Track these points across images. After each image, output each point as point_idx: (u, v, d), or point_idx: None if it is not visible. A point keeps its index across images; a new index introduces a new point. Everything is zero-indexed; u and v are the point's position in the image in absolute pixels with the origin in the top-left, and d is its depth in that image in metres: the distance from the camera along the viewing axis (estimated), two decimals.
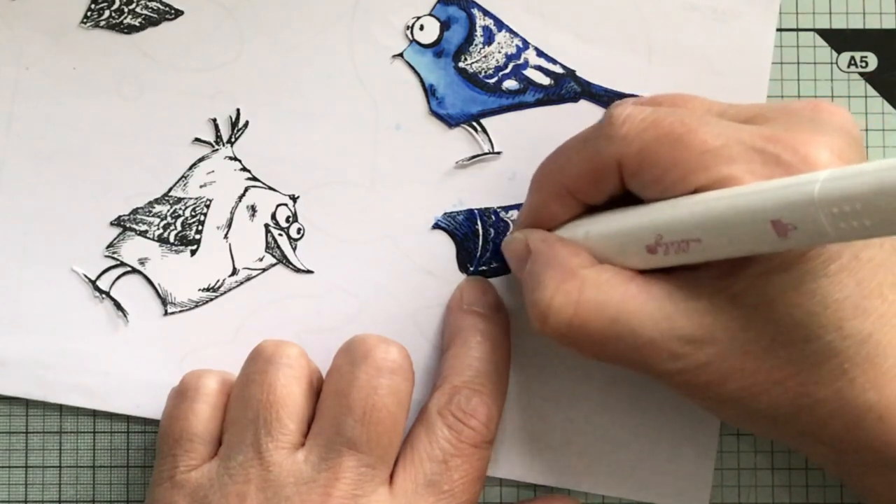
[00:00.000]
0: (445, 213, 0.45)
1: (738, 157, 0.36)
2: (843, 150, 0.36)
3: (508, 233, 0.44)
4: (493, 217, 0.45)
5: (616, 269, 0.38)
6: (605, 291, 0.38)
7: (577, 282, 0.38)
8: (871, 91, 0.46)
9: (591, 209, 0.40)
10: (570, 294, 0.38)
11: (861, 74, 0.46)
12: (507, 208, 0.45)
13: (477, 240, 0.45)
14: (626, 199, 0.39)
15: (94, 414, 0.45)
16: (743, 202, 0.34)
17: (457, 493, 0.41)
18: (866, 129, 0.45)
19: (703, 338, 0.37)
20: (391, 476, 0.41)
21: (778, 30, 0.45)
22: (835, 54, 0.46)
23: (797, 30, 0.45)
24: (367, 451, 0.40)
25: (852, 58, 0.46)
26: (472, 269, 0.45)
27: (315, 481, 0.39)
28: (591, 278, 0.38)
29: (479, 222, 0.45)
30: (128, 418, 0.45)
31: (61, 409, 0.45)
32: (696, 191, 0.36)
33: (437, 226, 0.45)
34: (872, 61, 0.46)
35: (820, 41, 0.46)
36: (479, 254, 0.45)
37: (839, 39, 0.46)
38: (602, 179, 0.39)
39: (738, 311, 0.36)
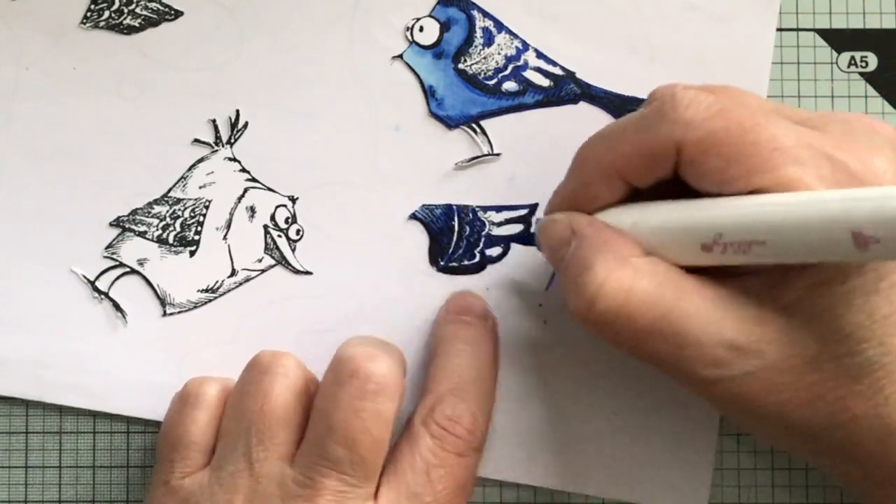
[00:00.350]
0: (423, 205, 0.45)
1: (808, 160, 0.35)
2: None
3: (540, 215, 0.42)
4: (470, 215, 0.45)
5: (669, 265, 0.37)
6: (658, 284, 0.36)
7: (631, 270, 0.37)
8: (871, 91, 0.46)
9: (634, 196, 0.39)
10: (623, 281, 0.37)
11: (861, 74, 0.46)
12: (498, 208, 0.45)
13: (451, 235, 0.45)
14: (671, 184, 0.38)
15: (94, 414, 0.45)
16: (822, 209, 0.33)
17: (440, 503, 0.41)
18: None
19: (750, 347, 0.36)
20: (377, 488, 0.41)
21: (778, 30, 0.45)
22: (835, 54, 0.45)
23: (797, 30, 0.45)
24: (351, 473, 0.39)
25: (852, 58, 0.46)
26: (442, 263, 0.45)
27: (300, 496, 0.39)
28: (646, 269, 0.37)
29: (456, 218, 0.45)
30: (128, 419, 0.45)
31: (61, 409, 0.45)
32: (756, 189, 0.35)
33: (413, 216, 0.45)
34: (872, 61, 0.46)
35: (820, 41, 0.45)
36: (451, 249, 0.45)
37: (839, 39, 0.46)
38: (657, 162, 0.37)
39: (787, 321, 0.36)
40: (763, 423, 0.37)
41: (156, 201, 0.45)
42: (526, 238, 0.45)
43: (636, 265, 0.37)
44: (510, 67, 0.45)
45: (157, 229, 0.45)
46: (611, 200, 0.39)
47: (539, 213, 0.45)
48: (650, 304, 0.36)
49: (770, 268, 0.36)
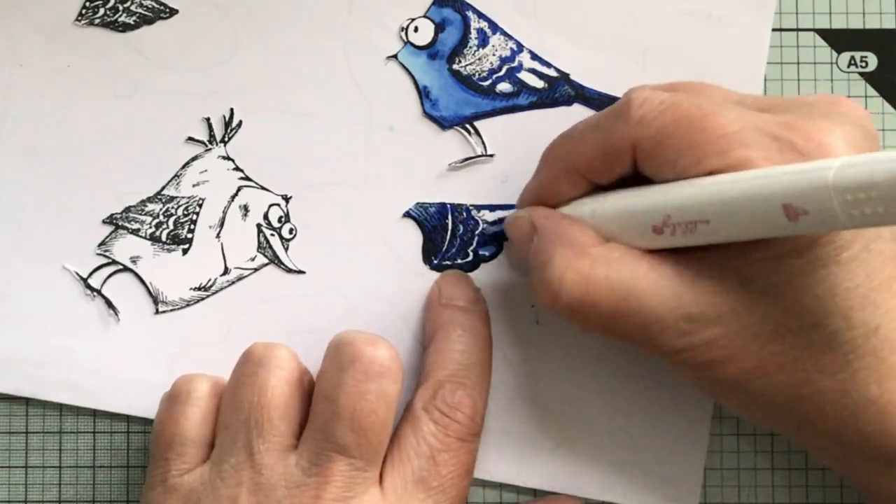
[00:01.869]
0: (418, 203, 0.45)
1: (755, 142, 0.36)
2: (857, 141, 0.36)
3: (511, 212, 0.44)
4: (464, 213, 0.45)
5: (625, 248, 0.38)
6: (615, 269, 0.38)
7: (588, 259, 0.38)
8: (871, 91, 0.46)
9: (598, 188, 0.41)
10: (581, 271, 0.38)
11: (861, 74, 0.46)
12: (491, 207, 0.45)
13: (445, 233, 0.45)
14: (634, 180, 0.39)
15: (94, 414, 0.45)
16: (755, 185, 0.34)
17: (446, 487, 0.41)
18: None
19: (710, 317, 0.37)
20: (381, 475, 0.41)
21: (778, 30, 0.45)
22: (835, 54, 0.45)
23: (797, 30, 0.45)
24: (357, 455, 0.40)
25: (852, 58, 0.46)
26: (436, 261, 0.45)
27: (306, 485, 0.39)
28: (602, 256, 0.38)
29: (449, 216, 0.45)
30: (128, 418, 0.45)
31: (61, 409, 0.45)
32: (710, 174, 0.36)
33: (407, 214, 0.45)
34: (872, 61, 0.46)
35: (820, 41, 0.45)
36: (444, 248, 0.45)
37: (839, 39, 0.46)
38: (615, 161, 0.39)
39: (747, 293, 0.37)
40: (731, 393, 0.38)
41: (149, 199, 0.45)
42: None
43: (592, 254, 0.38)
44: (504, 69, 0.45)
45: (151, 227, 0.45)
46: (574, 195, 0.41)
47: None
48: (609, 289, 0.38)
49: (731, 242, 0.37)
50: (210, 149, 0.45)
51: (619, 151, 0.39)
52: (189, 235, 0.45)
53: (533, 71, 0.45)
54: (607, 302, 0.38)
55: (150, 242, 0.45)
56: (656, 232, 0.37)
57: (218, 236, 0.45)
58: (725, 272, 0.37)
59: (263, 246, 0.45)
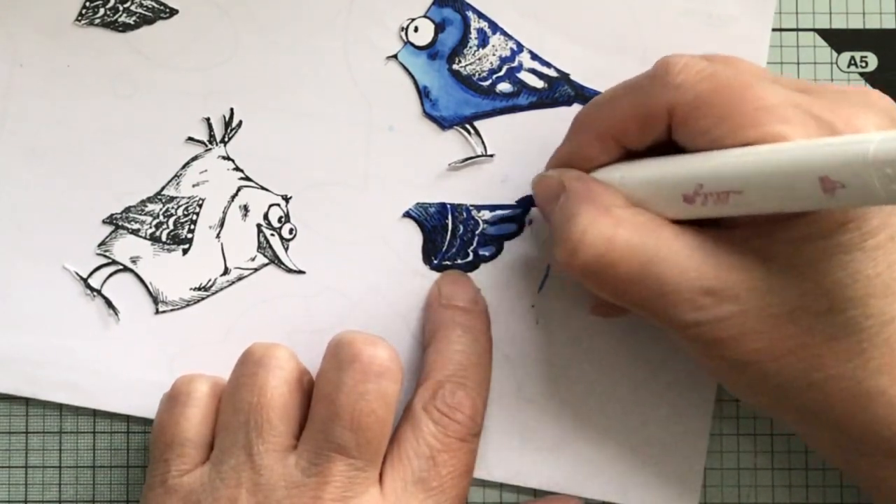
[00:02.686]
0: (418, 203, 0.45)
1: (793, 118, 0.36)
2: (889, 130, 0.36)
3: (540, 173, 0.43)
4: (464, 214, 0.45)
5: (652, 214, 0.38)
6: (639, 233, 0.37)
7: (613, 219, 0.38)
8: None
9: (629, 155, 0.40)
10: (604, 230, 0.38)
11: (861, 74, 0.46)
12: (491, 207, 0.45)
13: (445, 234, 0.45)
14: (666, 149, 0.39)
15: (94, 414, 0.45)
16: (793, 156, 0.34)
17: (446, 488, 0.41)
18: None
19: (727, 292, 0.37)
20: (380, 475, 0.41)
21: (778, 30, 0.45)
22: (835, 54, 0.45)
23: (797, 30, 0.45)
24: (357, 456, 0.40)
25: (852, 58, 0.46)
26: (435, 262, 0.45)
27: (305, 485, 0.39)
28: (627, 218, 0.38)
29: (449, 216, 0.45)
30: (128, 418, 0.45)
31: (61, 409, 0.45)
32: (744, 146, 0.36)
33: (407, 214, 0.45)
34: (872, 61, 0.46)
35: (820, 41, 0.45)
36: (444, 248, 0.45)
37: (839, 39, 0.46)
38: (650, 125, 0.39)
39: (768, 272, 0.36)
40: (739, 374, 0.38)
41: (149, 199, 0.45)
42: (518, 232, 0.45)
43: (618, 215, 0.38)
44: (504, 69, 0.45)
45: (151, 227, 0.45)
46: (605, 161, 0.40)
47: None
48: (631, 251, 0.37)
49: (755, 221, 0.36)
50: (210, 149, 0.45)
51: (655, 116, 0.38)
52: (189, 235, 0.45)
53: (533, 71, 0.45)
54: (626, 265, 0.37)
55: (150, 242, 0.45)
56: (687, 201, 0.37)
57: (218, 236, 0.45)
58: (748, 250, 0.37)
59: (263, 246, 0.45)
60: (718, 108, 0.37)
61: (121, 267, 0.45)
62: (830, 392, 0.37)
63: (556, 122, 0.44)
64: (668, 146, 0.39)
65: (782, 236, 0.36)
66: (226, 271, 0.45)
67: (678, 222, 0.38)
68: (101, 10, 0.45)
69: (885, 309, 0.36)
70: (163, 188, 0.45)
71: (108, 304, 0.45)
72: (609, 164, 0.40)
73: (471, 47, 0.45)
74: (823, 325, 0.36)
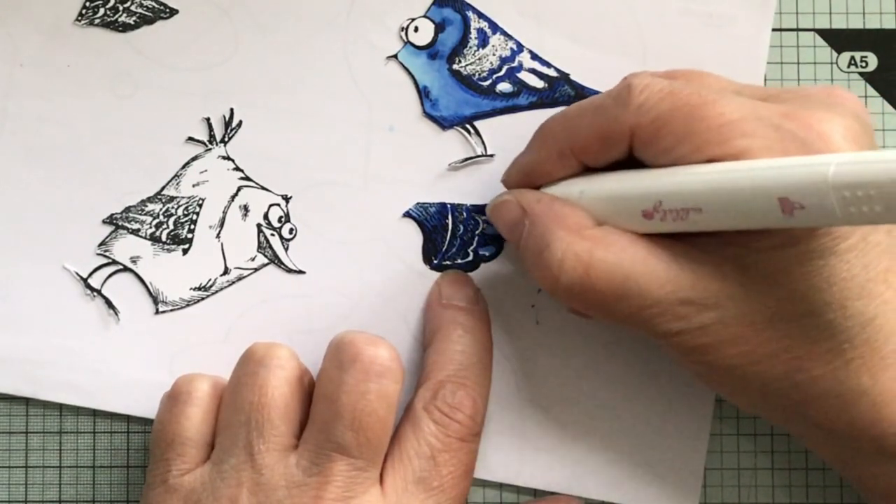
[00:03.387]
0: (418, 203, 0.45)
1: (755, 131, 0.36)
2: (856, 133, 0.36)
3: (496, 197, 0.43)
4: (464, 213, 0.45)
5: (621, 231, 0.38)
6: (614, 252, 0.38)
7: (587, 242, 0.38)
8: (872, 91, 0.46)
9: (588, 170, 0.41)
10: (581, 254, 0.38)
11: (861, 74, 0.46)
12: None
13: (445, 233, 0.45)
14: (626, 166, 0.39)
15: (94, 414, 0.45)
16: (752, 176, 0.34)
17: (446, 488, 0.41)
18: None
19: (706, 301, 0.37)
20: (381, 475, 0.41)
21: (778, 30, 0.45)
22: (835, 54, 0.46)
23: (797, 30, 0.45)
24: (358, 455, 0.40)
25: (852, 58, 0.46)
26: (435, 261, 0.45)
27: (306, 484, 0.39)
28: (600, 238, 0.38)
29: (449, 216, 0.45)
30: (128, 418, 0.45)
31: (61, 409, 0.45)
32: (708, 163, 0.36)
33: (407, 214, 0.45)
34: (872, 61, 0.46)
35: (820, 41, 0.46)
36: (444, 248, 0.45)
37: (839, 39, 0.46)
38: (611, 145, 0.39)
39: (744, 279, 0.37)
40: (725, 379, 0.38)
41: (149, 199, 0.45)
42: None
43: (590, 236, 0.38)
44: (504, 69, 0.45)
45: (151, 227, 0.45)
46: (563, 176, 0.41)
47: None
48: (609, 272, 0.38)
49: (728, 230, 0.37)
50: (210, 149, 0.45)
51: (616, 136, 0.39)
52: (189, 235, 0.45)
53: (533, 71, 0.45)
54: (606, 284, 0.38)
55: (150, 242, 0.45)
56: (646, 217, 0.37)
57: (218, 236, 0.45)
58: (723, 259, 0.37)
59: (263, 246, 0.45)
60: (679, 126, 0.37)
61: (121, 267, 0.45)
62: (814, 393, 0.37)
63: None
64: (629, 161, 0.39)
65: (756, 245, 0.37)
66: (226, 271, 0.45)
67: (650, 235, 0.38)
68: (101, 10, 0.45)
69: (863, 309, 0.36)
70: (163, 188, 0.45)
71: (108, 304, 0.45)
72: (567, 178, 0.41)
73: (471, 47, 0.45)
74: (803, 329, 0.37)
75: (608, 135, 0.39)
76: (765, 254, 0.36)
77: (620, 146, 0.39)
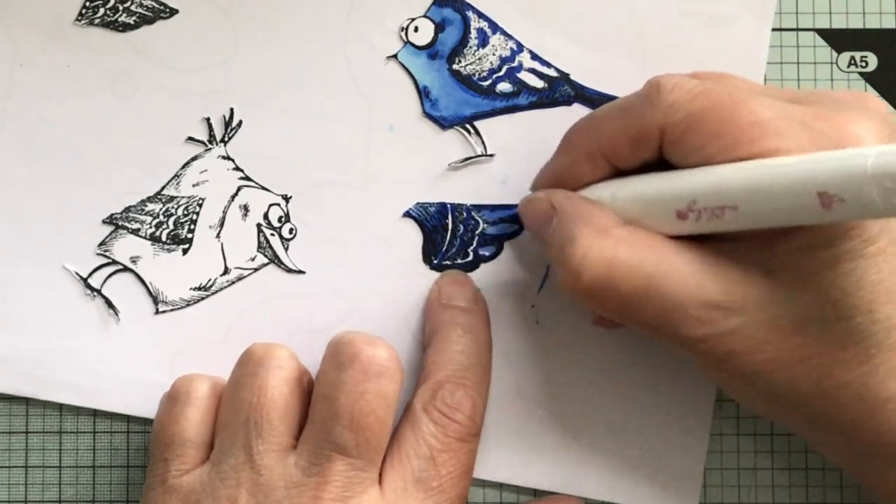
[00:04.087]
0: (418, 203, 0.45)
1: (787, 131, 0.36)
2: (888, 136, 0.37)
3: (527, 195, 0.43)
4: (464, 213, 0.45)
5: (648, 231, 0.38)
6: (638, 251, 0.38)
7: (611, 240, 0.38)
8: (872, 91, 0.46)
9: (618, 173, 0.40)
10: (604, 251, 0.38)
11: (861, 74, 0.46)
12: (491, 207, 0.45)
13: (445, 233, 0.45)
14: (655, 166, 0.39)
15: (94, 414, 0.45)
16: (789, 171, 0.34)
17: (445, 488, 0.41)
18: None
19: (732, 306, 0.37)
20: (380, 475, 0.41)
21: (778, 30, 0.45)
22: (835, 54, 0.46)
23: (797, 30, 0.45)
24: (357, 455, 0.40)
25: (852, 58, 0.46)
26: (435, 261, 0.45)
27: (305, 485, 0.39)
28: (625, 238, 0.38)
29: (450, 216, 0.45)
30: (128, 418, 0.45)
31: (61, 409, 0.45)
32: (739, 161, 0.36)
33: (407, 214, 0.45)
34: (872, 61, 0.46)
35: (820, 41, 0.46)
36: (444, 248, 0.45)
37: (839, 39, 0.46)
38: (641, 145, 0.39)
39: (772, 284, 0.36)
40: (749, 385, 0.38)
41: (149, 199, 0.45)
42: (518, 232, 0.45)
43: (616, 235, 0.38)
44: (504, 68, 0.45)
45: (151, 227, 0.45)
46: (594, 179, 0.41)
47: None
48: (632, 271, 0.37)
49: (756, 233, 0.36)
50: (210, 149, 0.45)
51: (646, 136, 0.38)
52: (189, 235, 0.45)
53: (533, 71, 0.45)
54: (629, 285, 0.37)
55: (150, 242, 0.45)
56: (681, 217, 0.37)
57: (218, 236, 0.45)
58: (750, 262, 0.37)
59: (263, 246, 0.45)
60: (711, 125, 0.37)
61: (121, 267, 0.45)
62: (841, 399, 0.37)
63: (556, 122, 0.44)
64: (657, 165, 0.39)
65: (784, 247, 0.36)
66: (226, 271, 0.45)
67: (677, 237, 0.38)
68: (101, 10, 0.45)
69: (891, 314, 0.36)
70: (163, 188, 0.45)
71: (108, 304, 0.45)
72: (598, 181, 0.41)
73: (471, 47, 0.45)
74: (830, 334, 0.36)
75: (637, 134, 0.39)
76: (793, 256, 0.36)
77: (650, 146, 0.38)
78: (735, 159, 0.36)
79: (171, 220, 0.45)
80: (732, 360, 0.37)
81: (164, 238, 0.45)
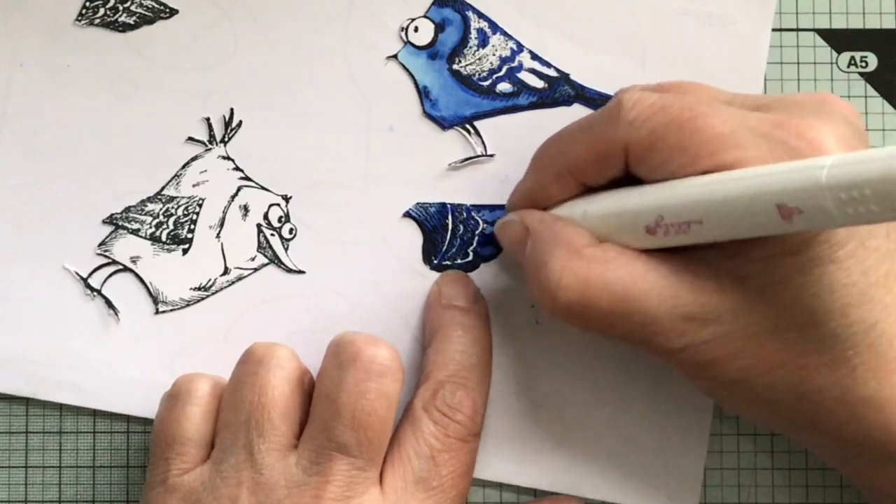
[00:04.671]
0: (418, 203, 0.45)
1: (746, 142, 0.36)
2: (848, 138, 0.36)
3: (501, 216, 0.44)
4: (464, 213, 0.45)
5: (621, 248, 0.38)
6: (612, 270, 0.38)
7: (584, 260, 0.38)
8: (871, 91, 0.46)
9: (589, 189, 0.41)
10: (578, 272, 0.38)
11: (861, 74, 0.46)
12: (491, 207, 0.45)
13: (445, 233, 0.45)
14: (625, 182, 0.39)
15: (94, 414, 0.45)
16: (748, 184, 0.34)
17: (446, 488, 0.41)
18: (866, 129, 0.45)
19: (708, 316, 0.37)
20: (381, 474, 0.41)
21: (778, 30, 0.45)
22: (835, 54, 0.46)
23: (797, 30, 0.45)
24: (358, 455, 0.40)
25: (852, 58, 0.46)
26: (435, 261, 0.45)
27: (306, 484, 0.39)
28: (598, 257, 0.38)
29: (449, 216, 0.45)
30: (128, 418, 0.45)
31: (61, 409, 0.45)
32: (702, 175, 0.36)
33: (407, 214, 0.45)
34: (872, 61, 0.46)
35: (820, 41, 0.46)
36: (444, 248, 0.45)
37: (839, 39, 0.46)
38: (607, 163, 0.39)
39: (744, 292, 0.37)
40: (731, 392, 0.38)
41: (149, 199, 0.45)
42: None
43: (589, 255, 0.38)
44: (504, 69, 0.45)
45: (151, 227, 0.45)
46: (565, 197, 0.41)
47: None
48: (607, 289, 0.38)
49: (727, 242, 0.37)
50: (210, 149, 0.45)
51: (610, 154, 0.39)
52: (189, 235, 0.45)
53: (533, 71, 0.45)
54: (605, 303, 0.38)
55: (150, 242, 0.45)
56: (650, 232, 0.37)
57: (218, 236, 0.45)
58: (722, 271, 0.37)
59: (263, 246, 0.45)
60: (672, 140, 0.37)
61: (121, 267, 0.45)
62: (821, 402, 0.37)
63: (557, 121, 0.44)
64: (629, 177, 0.39)
65: (754, 255, 0.36)
66: (226, 271, 0.45)
67: (649, 251, 0.38)
68: (101, 10, 0.45)
69: (865, 316, 0.36)
70: (163, 188, 0.45)
71: (108, 304, 0.45)
72: (569, 199, 0.41)
73: (471, 47, 0.45)
74: (806, 339, 0.37)
75: (602, 153, 0.39)
76: (763, 264, 0.36)
77: (616, 163, 0.39)
78: (698, 173, 0.36)
79: (171, 220, 0.45)
80: (712, 368, 0.38)
81: (164, 238, 0.45)
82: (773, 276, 0.36)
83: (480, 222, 0.45)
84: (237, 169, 0.45)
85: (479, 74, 0.45)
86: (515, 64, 0.45)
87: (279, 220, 0.45)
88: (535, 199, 0.42)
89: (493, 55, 0.45)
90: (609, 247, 0.39)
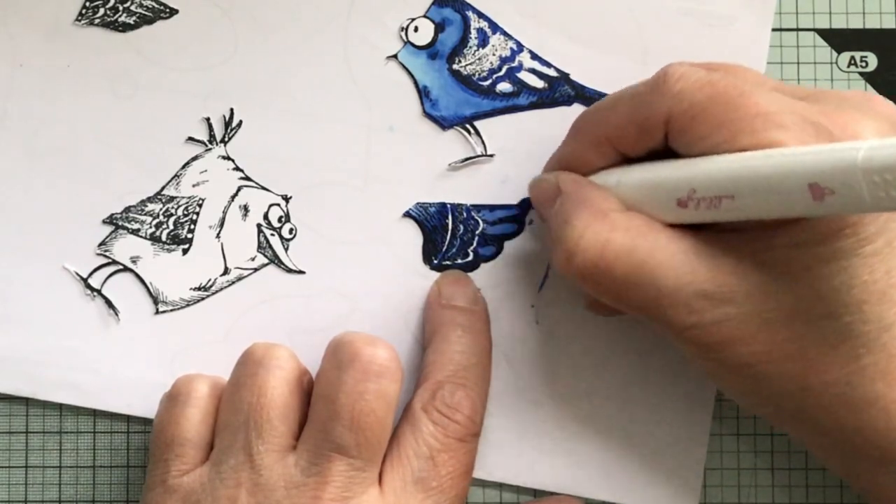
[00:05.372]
0: (418, 203, 0.45)
1: (790, 125, 0.36)
2: (889, 136, 0.36)
3: (537, 176, 0.43)
4: (464, 213, 0.45)
5: (646, 218, 0.38)
6: (633, 237, 0.38)
7: (608, 223, 0.38)
8: (871, 91, 0.46)
9: (625, 160, 0.41)
10: (600, 234, 0.38)
11: (861, 74, 0.46)
12: (491, 207, 0.45)
13: (445, 233, 0.45)
14: (662, 155, 0.39)
15: (94, 414, 0.45)
16: (782, 162, 0.34)
17: (445, 488, 0.41)
18: None
19: (723, 296, 0.37)
20: (380, 475, 0.41)
21: (778, 30, 0.45)
22: (835, 54, 0.46)
23: (797, 30, 0.45)
24: (357, 455, 0.40)
25: (852, 58, 0.46)
26: (436, 261, 0.45)
27: (305, 485, 0.39)
28: (622, 222, 0.38)
29: (450, 216, 0.45)
30: (128, 418, 0.45)
31: (61, 409, 0.45)
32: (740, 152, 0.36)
33: (407, 214, 0.45)
34: (872, 61, 0.46)
35: (820, 41, 0.46)
36: (444, 248, 0.45)
37: (839, 39, 0.46)
38: (647, 133, 0.39)
39: (763, 276, 0.36)
40: (735, 377, 0.38)
41: (149, 199, 0.45)
42: (518, 232, 0.45)
43: (613, 219, 0.38)
44: (504, 68, 0.45)
45: (151, 227, 0.45)
46: (602, 165, 0.41)
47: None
48: (626, 255, 0.37)
49: (752, 225, 0.37)
50: (210, 149, 0.45)
51: (652, 124, 0.38)
52: (189, 235, 0.45)
53: (533, 71, 0.45)
54: (622, 268, 0.37)
55: (150, 242, 0.45)
56: (681, 205, 0.37)
57: (218, 236, 0.45)
58: (744, 254, 0.37)
59: (263, 246, 0.45)
60: (715, 115, 0.37)
61: (121, 267, 0.45)
62: (825, 397, 0.37)
63: (556, 122, 0.44)
64: (665, 153, 0.39)
65: (779, 241, 0.36)
66: (226, 271, 0.45)
67: (674, 226, 0.38)
68: (101, 10, 0.45)
69: (883, 315, 0.36)
70: (163, 188, 0.45)
71: (108, 304, 0.45)
72: (606, 168, 0.41)
73: (471, 47, 0.45)
74: (819, 331, 0.36)
75: (644, 122, 0.39)
76: (786, 251, 0.36)
77: (656, 135, 0.39)
78: (737, 150, 0.36)
79: (171, 220, 0.45)
80: (719, 350, 0.37)
81: (164, 238, 0.45)
82: (795, 264, 0.36)
83: (480, 222, 0.45)
84: (237, 169, 0.45)
85: (479, 74, 0.45)
86: (515, 64, 0.45)
87: (279, 220, 0.45)
88: (571, 165, 0.42)
89: (493, 55, 0.45)
90: (635, 215, 0.38)
